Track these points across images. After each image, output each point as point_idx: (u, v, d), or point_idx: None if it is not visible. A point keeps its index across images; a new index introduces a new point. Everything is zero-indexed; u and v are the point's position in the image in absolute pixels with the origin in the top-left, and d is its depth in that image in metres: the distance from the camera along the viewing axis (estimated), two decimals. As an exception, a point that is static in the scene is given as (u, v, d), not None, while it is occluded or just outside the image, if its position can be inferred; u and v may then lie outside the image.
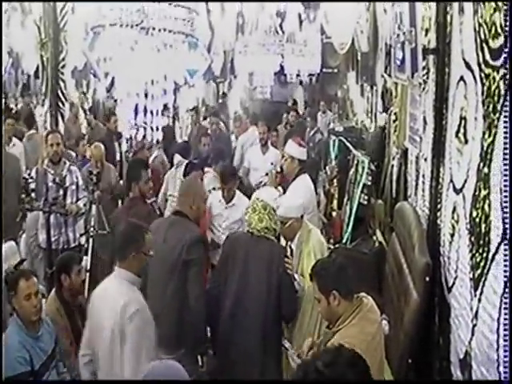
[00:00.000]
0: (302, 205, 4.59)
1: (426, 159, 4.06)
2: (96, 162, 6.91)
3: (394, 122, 5.60)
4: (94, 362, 3.50)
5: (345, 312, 3.06)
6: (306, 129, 11.38)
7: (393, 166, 5.61)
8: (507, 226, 2.28)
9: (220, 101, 12.77)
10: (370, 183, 6.02)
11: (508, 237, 2.18)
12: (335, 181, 7.37)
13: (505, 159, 2.23)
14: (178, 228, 4.22)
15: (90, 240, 5.67)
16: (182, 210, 4.35)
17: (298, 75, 11.05)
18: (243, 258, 4.04)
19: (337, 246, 5.55)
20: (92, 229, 5.79)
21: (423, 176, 4.17)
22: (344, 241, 6.05)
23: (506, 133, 2.20)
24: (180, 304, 4.03)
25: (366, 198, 5.99)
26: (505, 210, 2.30)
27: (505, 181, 2.19)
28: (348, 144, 7.25)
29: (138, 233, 3.49)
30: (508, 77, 2.22)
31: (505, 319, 2.17)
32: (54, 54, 7.83)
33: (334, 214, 7.24)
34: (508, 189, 2.16)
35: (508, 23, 2.22)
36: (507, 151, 2.21)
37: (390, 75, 5.43)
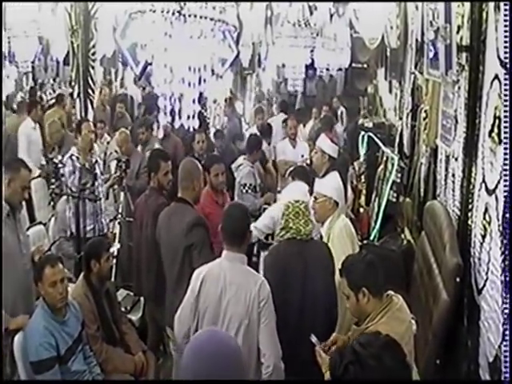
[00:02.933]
0: (338, 189, 4.57)
1: (456, 158, 4.02)
2: (121, 148, 6.89)
3: (424, 119, 5.54)
4: None
5: (374, 310, 3.03)
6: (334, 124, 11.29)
7: (422, 164, 5.57)
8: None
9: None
10: (399, 180, 5.98)
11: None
12: (363, 177, 7.34)
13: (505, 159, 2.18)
14: (179, 215, 4.26)
15: (118, 227, 5.73)
16: (183, 197, 4.41)
17: (327, 69, 11.00)
18: (301, 267, 3.72)
19: (364, 242, 5.52)
20: (120, 216, 5.84)
21: (453, 175, 4.13)
22: (371, 238, 6.02)
23: (506, 133, 2.15)
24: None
25: (395, 195, 5.95)
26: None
27: (505, 181, 2.15)
28: (377, 140, 7.20)
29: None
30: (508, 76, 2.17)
31: (505, 319, 2.14)
32: (84, 41, 7.86)
33: (361, 210, 7.20)
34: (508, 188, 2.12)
35: (508, 23, 2.18)
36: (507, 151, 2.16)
37: (421, 72, 5.39)
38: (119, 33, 6.72)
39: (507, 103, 2.14)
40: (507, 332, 2.10)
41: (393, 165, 6.08)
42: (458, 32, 3.85)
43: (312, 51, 9.52)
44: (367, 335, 1.95)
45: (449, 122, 4.37)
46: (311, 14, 9.71)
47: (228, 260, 3.39)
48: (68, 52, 8.48)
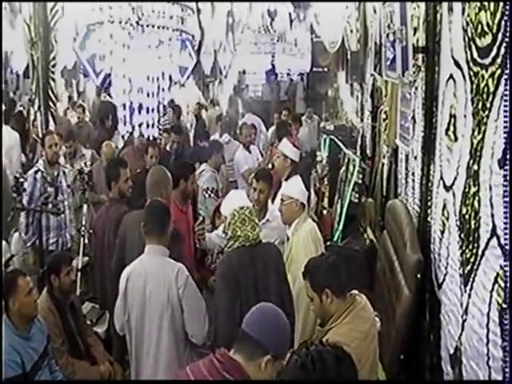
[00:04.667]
0: (304, 191, 4.62)
1: (416, 157, 4.09)
2: (107, 160, 6.76)
3: (384, 120, 5.63)
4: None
5: (337, 310, 3.06)
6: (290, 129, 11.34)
7: (383, 164, 5.65)
8: (496, 222, 2.32)
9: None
10: (360, 181, 6.06)
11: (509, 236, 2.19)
12: (326, 179, 7.40)
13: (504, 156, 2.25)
14: None
15: (81, 239, 5.68)
16: None
17: (288, 74, 11.10)
18: (253, 275, 3.72)
19: (328, 243, 5.57)
20: (83, 228, 5.79)
21: (413, 174, 4.20)
22: (335, 239, 6.08)
23: (505, 133, 2.22)
24: None
25: (357, 196, 6.03)
26: (493, 206, 2.34)
27: (504, 180, 2.21)
28: (339, 142, 7.28)
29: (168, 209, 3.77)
30: (508, 76, 2.24)
31: (505, 319, 2.19)
32: (44, 53, 7.77)
33: (324, 212, 7.27)
34: (508, 189, 2.18)
35: (508, 23, 2.24)
36: (507, 152, 2.23)
37: (380, 74, 5.46)
38: (78, 44, 6.68)
39: (507, 103, 2.20)
40: (507, 332, 2.15)
41: (354, 166, 6.16)
42: (414, 34, 3.93)
43: (273, 57, 9.62)
44: (317, 349, 2.01)
45: (407, 122, 4.45)
46: (272, 20, 9.81)
47: (149, 253, 3.61)
48: (28, 64, 8.38)
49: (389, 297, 3.81)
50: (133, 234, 4.30)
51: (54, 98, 8.04)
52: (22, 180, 5.70)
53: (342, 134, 7.79)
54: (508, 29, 2.23)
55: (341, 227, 6.08)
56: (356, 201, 6.04)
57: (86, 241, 5.85)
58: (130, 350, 3.77)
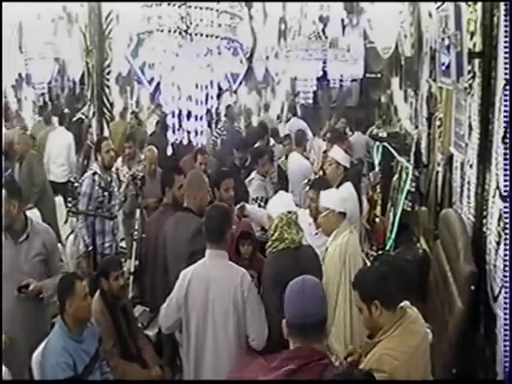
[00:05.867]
0: (343, 200, 4.44)
1: (471, 165, 3.99)
2: (150, 165, 6.88)
3: (439, 127, 5.52)
4: None
5: (387, 323, 2.97)
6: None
7: (437, 172, 5.53)
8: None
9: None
10: (413, 190, 5.95)
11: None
12: (378, 187, 7.30)
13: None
14: (184, 223, 4.44)
15: (134, 243, 5.75)
16: (188, 206, 4.58)
17: (340, 80, 11.01)
18: (298, 275, 3.85)
19: (380, 252, 5.48)
20: (136, 232, 5.87)
21: (468, 183, 4.09)
22: (387, 248, 5.99)
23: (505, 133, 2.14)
24: None
25: (410, 204, 5.93)
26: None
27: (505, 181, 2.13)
28: (392, 150, 7.18)
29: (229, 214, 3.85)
30: (508, 76, 2.16)
31: (505, 319, 2.11)
32: (99, 60, 7.99)
33: (377, 220, 7.17)
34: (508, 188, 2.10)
35: (508, 23, 2.17)
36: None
37: (434, 80, 5.37)
38: (130, 52, 6.81)
39: (507, 103, 2.12)
40: (507, 332, 2.07)
41: (407, 174, 6.06)
42: (471, 38, 3.83)
43: (324, 63, 9.56)
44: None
45: (462, 129, 4.35)
46: (324, 26, 9.75)
47: (211, 258, 3.64)
48: (83, 72, 8.61)
49: (441, 308, 3.72)
50: (172, 240, 4.43)
51: (108, 105, 8.24)
52: (76, 185, 5.81)
53: (395, 141, 7.67)
54: (508, 29, 2.15)
55: (393, 236, 6.00)
56: (409, 209, 5.94)
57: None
58: (187, 351, 3.78)
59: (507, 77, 2.13)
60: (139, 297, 5.57)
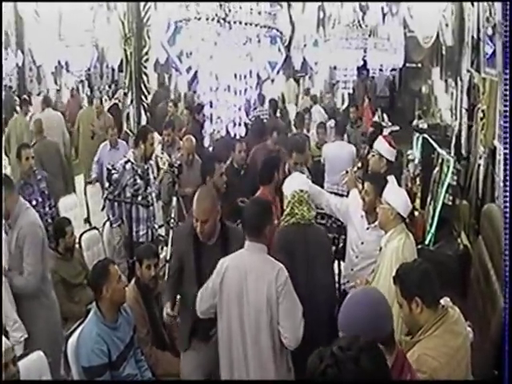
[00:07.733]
0: (405, 203, 4.14)
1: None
2: (188, 154, 6.83)
3: (482, 119, 5.37)
4: None
5: (427, 321, 2.88)
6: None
7: (479, 165, 5.39)
8: None
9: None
10: (455, 183, 5.81)
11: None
12: (418, 179, 7.16)
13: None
14: None
15: (170, 231, 5.75)
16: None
17: (380, 70, 10.84)
18: (306, 250, 4.10)
19: (420, 247, 5.35)
20: (172, 220, 5.88)
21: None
22: (427, 242, 5.87)
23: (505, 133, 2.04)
24: None
25: (451, 198, 5.79)
26: None
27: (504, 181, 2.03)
28: (432, 142, 7.03)
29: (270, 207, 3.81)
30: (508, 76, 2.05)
31: (504, 319, 2.01)
32: (137, 48, 8.02)
33: (416, 213, 7.02)
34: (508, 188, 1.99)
35: (508, 23, 2.06)
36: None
37: (477, 70, 5.22)
38: (167, 40, 6.79)
39: (507, 103, 2.03)
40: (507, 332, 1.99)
41: (448, 167, 5.93)
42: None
43: (364, 52, 9.42)
44: (347, 338, 1.92)
45: (507, 121, 4.20)
46: (364, 14, 9.61)
47: (249, 250, 3.62)
48: (122, 59, 8.66)
49: (483, 306, 3.62)
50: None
51: (146, 92, 8.26)
52: (113, 172, 5.81)
53: (435, 133, 7.51)
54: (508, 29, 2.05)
55: (433, 230, 5.88)
56: (450, 203, 5.80)
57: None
58: (221, 337, 3.69)
59: (507, 77, 2.03)
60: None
